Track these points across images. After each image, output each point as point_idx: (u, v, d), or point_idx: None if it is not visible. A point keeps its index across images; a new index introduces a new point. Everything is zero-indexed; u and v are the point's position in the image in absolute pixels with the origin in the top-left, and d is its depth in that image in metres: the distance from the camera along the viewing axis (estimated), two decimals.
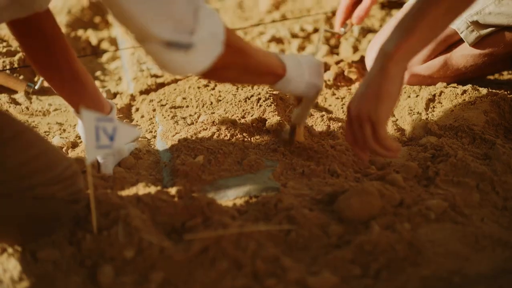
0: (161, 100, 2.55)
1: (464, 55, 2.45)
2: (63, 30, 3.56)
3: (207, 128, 2.19)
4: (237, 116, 2.26)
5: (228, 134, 2.15)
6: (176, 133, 2.21)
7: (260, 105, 2.34)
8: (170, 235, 1.64)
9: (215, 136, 2.14)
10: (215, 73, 1.65)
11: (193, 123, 2.26)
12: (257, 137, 2.17)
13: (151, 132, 2.32)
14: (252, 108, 2.33)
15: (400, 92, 1.68)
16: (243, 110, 2.32)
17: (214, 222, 1.62)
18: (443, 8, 1.62)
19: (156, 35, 1.46)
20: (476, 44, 2.41)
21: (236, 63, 1.70)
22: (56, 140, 2.19)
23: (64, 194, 1.58)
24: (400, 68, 1.67)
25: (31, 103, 2.65)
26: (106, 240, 1.54)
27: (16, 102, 2.64)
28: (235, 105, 2.36)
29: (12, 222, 1.53)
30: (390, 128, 2.33)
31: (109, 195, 1.68)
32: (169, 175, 1.97)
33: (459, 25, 2.39)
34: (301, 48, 3.23)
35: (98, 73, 3.18)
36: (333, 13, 3.58)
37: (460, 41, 2.46)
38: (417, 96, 2.46)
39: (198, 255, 1.52)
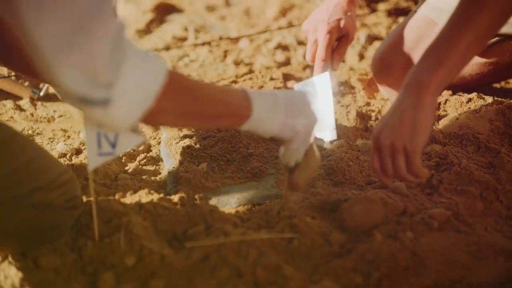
0: None
1: (470, 64, 2.44)
2: None
3: (211, 135, 2.19)
4: None
5: (233, 141, 2.14)
6: (180, 140, 2.21)
7: None
8: (171, 242, 1.64)
9: (219, 144, 2.14)
10: (153, 122, 1.46)
11: (197, 130, 2.26)
12: (261, 144, 2.17)
13: (155, 138, 2.31)
14: None
15: (434, 122, 1.66)
16: None
17: (215, 229, 1.61)
18: (473, 36, 1.61)
19: (69, 87, 1.26)
20: (481, 52, 2.40)
21: (181, 111, 1.48)
22: (60, 147, 2.20)
23: (62, 200, 1.58)
24: (435, 98, 1.66)
25: (36, 109, 2.65)
26: (107, 247, 1.54)
27: (21, 109, 2.64)
28: None
29: (10, 231, 1.53)
30: None
31: (111, 202, 1.68)
32: (172, 182, 1.97)
33: None
34: None
35: None
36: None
37: None
38: None
39: (199, 263, 1.52)
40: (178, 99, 1.44)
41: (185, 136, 2.23)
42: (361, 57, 3.19)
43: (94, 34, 1.22)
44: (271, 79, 2.89)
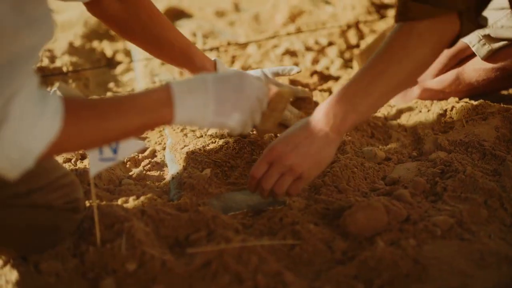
0: None
1: (476, 69, 2.43)
2: (79, 41, 3.59)
3: (215, 141, 2.19)
4: None
5: (237, 147, 2.14)
6: (185, 145, 2.21)
7: None
8: (173, 248, 1.64)
9: (223, 149, 2.14)
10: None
11: (202, 136, 2.26)
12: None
13: (160, 144, 2.32)
14: None
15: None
16: None
17: (217, 236, 1.61)
18: (387, 87, 1.72)
19: None
20: (488, 58, 2.39)
21: (86, 142, 1.46)
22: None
23: (62, 202, 1.58)
24: (342, 137, 1.78)
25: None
26: (109, 253, 1.54)
27: None
28: None
29: (8, 231, 1.53)
30: (401, 143, 2.32)
31: (114, 207, 1.69)
32: (176, 188, 1.97)
33: (471, 38, 2.37)
34: (315, 61, 3.23)
35: (111, 84, 3.20)
36: (348, 26, 3.57)
37: (472, 55, 2.43)
38: (428, 111, 2.45)
39: (200, 269, 1.52)
40: (78, 137, 1.41)
41: (189, 142, 2.24)
42: None
43: None
44: None
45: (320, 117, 1.73)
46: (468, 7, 1.68)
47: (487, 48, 2.36)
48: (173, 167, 2.10)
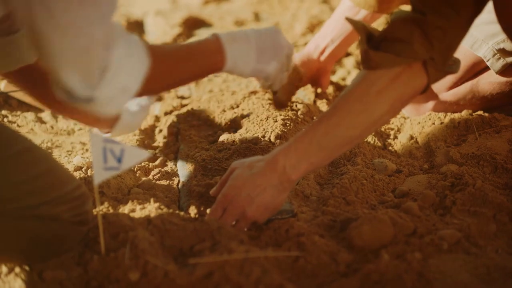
0: (184, 118, 2.55)
1: (490, 83, 2.42)
2: None
3: (227, 147, 2.19)
4: (258, 135, 2.26)
5: (248, 154, 2.14)
6: (196, 153, 2.21)
7: (284, 123, 2.33)
8: (177, 258, 1.64)
9: (234, 156, 2.14)
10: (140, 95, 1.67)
11: (214, 143, 2.26)
12: None
13: (172, 153, 2.32)
14: (272, 126, 2.32)
15: None
16: (264, 129, 2.31)
17: (221, 246, 1.61)
18: (342, 139, 1.75)
19: (62, 78, 1.48)
20: (503, 71, 2.37)
21: (161, 87, 1.82)
22: (76, 160, 2.21)
23: (70, 215, 1.59)
24: (295, 183, 1.88)
25: (57, 121, 2.68)
26: (112, 262, 1.54)
27: (41, 121, 2.67)
28: (257, 124, 2.35)
29: (14, 241, 1.54)
30: (413, 155, 2.31)
31: (119, 216, 1.69)
32: (185, 196, 1.98)
33: (486, 52, 2.36)
34: (332, 72, 3.21)
35: None
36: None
37: (487, 68, 2.42)
38: (441, 123, 2.43)
39: (202, 280, 1.52)
40: (158, 82, 1.72)
41: (201, 149, 2.24)
42: None
43: (92, 54, 1.47)
44: None
45: (273, 165, 1.76)
46: (431, 57, 1.68)
47: (501, 62, 2.35)
48: (183, 175, 2.10)
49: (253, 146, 2.18)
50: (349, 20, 1.77)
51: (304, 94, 2.61)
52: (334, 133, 1.73)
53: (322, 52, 2.65)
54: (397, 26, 1.69)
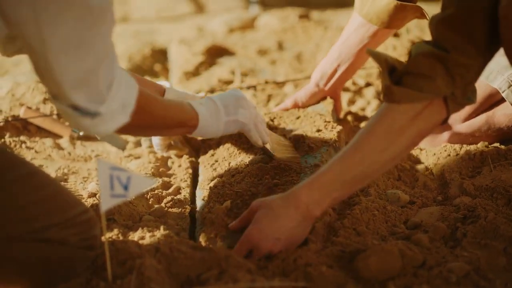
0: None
1: (506, 114, 2.41)
2: None
3: (239, 171, 2.21)
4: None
5: (259, 174, 2.16)
6: (211, 180, 2.23)
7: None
8: (184, 286, 1.65)
9: (245, 179, 2.15)
10: (121, 131, 1.77)
11: (229, 169, 2.28)
12: (288, 172, 2.17)
13: (185, 181, 2.33)
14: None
15: None
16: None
17: (228, 275, 1.61)
18: (362, 174, 1.79)
19: (69, 98, 1.54)
20: None
21: (144, 125, 1.86)
22: (91, 186, 2.23)
23: (78, 239, 1.60)
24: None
25: (74, 148, 2.70)
26: None
27: (59, 147, 2.69)
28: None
29: (24, 267, 1.56)
30: (427, 187, 2.30)
31: (128, 243, 1.70)
32: (199, 225, 1.99)
33: (501, 84, 2.35)
34: (351, 102, 3.22)
35: None
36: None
37: (502, 100, 2.41)
38: (457, 155, 2.42)
39: None
40: (145, 115, 1.79)
41: (216, 176, 2.25)
42: None
43: (99, 72, 1.55)
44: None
45: (296, 204, 1.79)
46: (453, 93, 1.70)
47: None
48: (199, 204, 2.12)
49: (264, 166, 2.19)
50: (370, 52, 1.77)
51: (323, 106, 2.60)
52: (357, 169, 1.77)
53: (329, 79, 2.62)
54: (420, 61, 1.70)
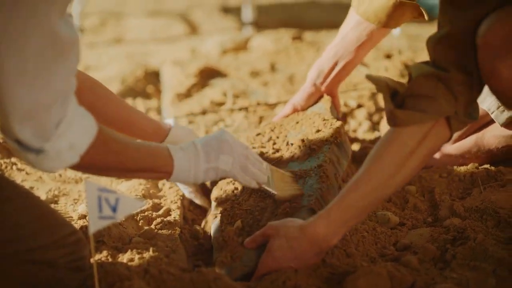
0: None
1: (495, 136, 2.42)
2: None
3: (245, 188, 2.23)
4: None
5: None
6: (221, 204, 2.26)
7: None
8: None
9: (252, 195, 2.17)
10: (76, 169, 1.69)
11: (233, 187, 2.28)
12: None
13: (176, 203, 2.33)
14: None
15: None
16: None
17: None
18: (375, 198, 1.82)
19: (14, 132, 1.47)
20: (507, 124, 2.36)
21: (100, 167, 1.72)
22: (81, 208, 2.23)
23: (66, 261, 1.61)
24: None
25: (65, 170, 2.70)
26: None
27: None
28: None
29: (9, 286, 1.56)
30: (417, 208, 2.30)
31: (117, 265, 1.70)
32: (216, 249, 2.03)
33: (490, 105, 2.35)
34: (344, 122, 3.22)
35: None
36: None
37: (492, 121, 2.42)
38: (447, 176, 2.43)
39: None
40: (102, 159, 1.68)
41: (225, 201, 2.25)
42: None
43: (51, 109, 1.48)
44: None
45: (314, 238, 1.82)
46: (456, 111, 1.72)
47: (506, 114, 2.34)
48: (214, 227, 2.15)
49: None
50: (370, 77, 1.78)
51: (320, 106, 2.59)
52: (372, 196, 1.80)
53: (326, 77, 2.59)
54: (421, 82, 1.71)
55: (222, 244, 1.98)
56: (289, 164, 2.29)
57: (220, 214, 2.15)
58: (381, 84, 1.75)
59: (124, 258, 1.85)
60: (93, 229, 1.53)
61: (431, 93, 1.70)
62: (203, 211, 2.46)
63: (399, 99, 1.74)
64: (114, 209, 1.52)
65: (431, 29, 1.76)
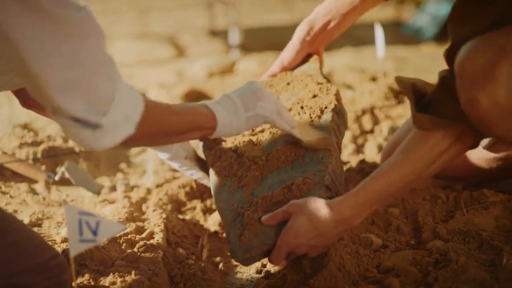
0: None
1: (478, 159, 2.42)
2: None
3: (241, 159, 2.25)
4: None
5: None
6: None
7: None
8: None
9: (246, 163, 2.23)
10: (129, 144, 1.73)
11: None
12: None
13: (159, 226, 2.33)
14: None
15: None
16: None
17: None
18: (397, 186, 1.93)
19: (67, 111, 1.52)
20: (490, 147, 2.38)
21: (153, 133, 1.79)
22: (64, 231, 2.23)
23: (47, 284, 1.60)
24: None
25: (49, 193, 2.70)
26: None
27: (34, 192, 2.69)
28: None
29: None
30: (400, 231, 2.30)
31: None
32: (228, 225, 2.08)
33: None
34: None
35: (122, 165, 3.24)
36: (363, 111, 3.59)
37: None
38: (431, 198, 2.44)
39: None
40: (153, 125, 1.74)
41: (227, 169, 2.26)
42: (380, 149, 3.19)
43: (93, 83, 1.54)
44: None
45: (339, 218, 1.92)
46: None
47: (489, 138, 2.36)
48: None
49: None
50: (398, 80, 1.82)
51: (309, 65, 2.57)
52: (397, 186, 1.92)
53: (316, 35, 2.55)
54: (444, 88, 1.77)
55: (237, 221, 2.03)
56: None
57: (224, 183, 2.18)
58: (407, 86, 1.81)
59: (106, 281, 1.84)
60: (74, 253, 1.53)
61: (452, 99, 1.73)
62: (187, 234, 2.46)
63: (424, 102, 1.77)
64: (94, 233, 1.52)
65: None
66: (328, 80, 2.46)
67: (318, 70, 2.51)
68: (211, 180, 2.27)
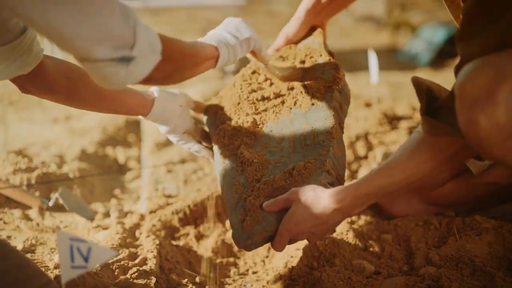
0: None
1: (470, 184, 2.43)
2: (93, 148, 3.66)
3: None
4: None
5: None
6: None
7: None
8: None
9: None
10: (156, 78, 1.77)
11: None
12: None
13: (152, 252, 2.33)
14: None
15: None
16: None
17: None
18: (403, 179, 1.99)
19: (97, 57, 1.53)
20: (481, 174, 2.39)
21: (177, 65, 1.85)
22: (57, 258, 2.22)
23: None
24: None
25: (43, 219, 2.70)
26: None
27: (28, 218, 2.69)
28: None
29: None
30: (393, 257, 2.31)
31: None
32: (231, 209, 2.11)
33: None
34: None
35: (116, 191, 3.24)
36: (357, 137, 3.60)
37: (466, 170, 2.44)
38: (423, 224, 2.44)
39: None
40: (173, 53, 1.80)
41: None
42: None
43: (113, 23, 1.54)
44: None
45: (338, 207, 1.97)
46: None
47: (480, 164, 2.37)
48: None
49: None
50: (414, 80, 1.86)
51: (313, 39, 2.56)
52: (399, 185, 1.99)
53: (321, 9, 2.52)
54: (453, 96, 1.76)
55: (239, 206, 2.07)
56: (292, 110, 2.29)
57: (228, 165, 2.22)
58: (422, 88, 1.88)
59: None
60: (66, 279, 1.53)
61: None
62: (181, 261, 2.45)
63: (435, 106, 1.80)
64: (86, 259, 1.52)
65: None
66: (332, 56, 2.46)
67: (322, 45, 2.50)
68: (216, 159, 2.34)
